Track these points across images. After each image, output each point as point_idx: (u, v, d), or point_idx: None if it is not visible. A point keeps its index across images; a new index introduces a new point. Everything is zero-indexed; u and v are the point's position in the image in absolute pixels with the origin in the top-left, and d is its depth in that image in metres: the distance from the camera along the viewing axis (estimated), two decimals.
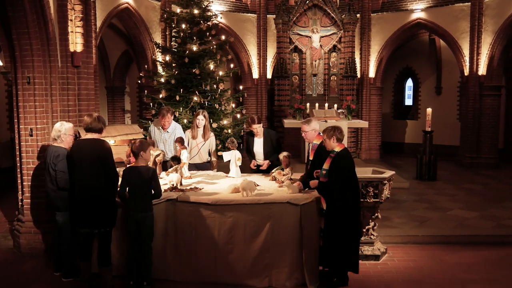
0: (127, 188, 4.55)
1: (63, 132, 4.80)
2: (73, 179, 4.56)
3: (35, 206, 5.69)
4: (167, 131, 6.39)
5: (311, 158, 5.19)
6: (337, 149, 4.64)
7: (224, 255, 4.69)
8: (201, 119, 6.14)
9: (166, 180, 5.12)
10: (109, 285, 4.57)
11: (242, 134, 9.17)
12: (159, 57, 10.36)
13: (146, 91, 10.25)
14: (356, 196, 4.76)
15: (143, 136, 6.38)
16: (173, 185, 5.00)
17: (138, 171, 4.50)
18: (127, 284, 4.58)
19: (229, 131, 8.52)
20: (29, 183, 5.68)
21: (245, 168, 6.29)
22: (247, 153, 6.33)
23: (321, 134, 4.91)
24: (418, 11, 12.23)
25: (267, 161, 6.03)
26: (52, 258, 5.20)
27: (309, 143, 5.44)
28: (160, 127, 6.42)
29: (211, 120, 8.16)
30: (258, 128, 6.08)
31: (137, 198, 4.50)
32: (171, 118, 6.36)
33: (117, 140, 5.97)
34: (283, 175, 5.38)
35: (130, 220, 4.54)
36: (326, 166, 4.63)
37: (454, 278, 5.00)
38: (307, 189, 4.97)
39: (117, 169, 4.68)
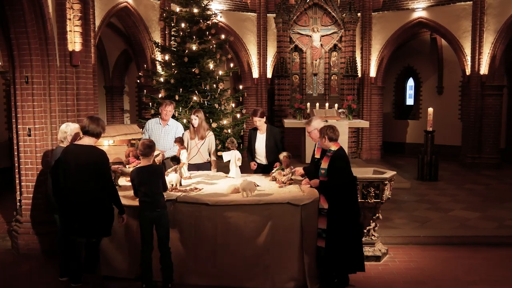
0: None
1: (69, 134, 4.67)
2: (66, 186, 4.26)
3: (34, 207, 5.65)
4: (168, 124, 6.32)
5: (317, 156, 5.09)
6: (333, 148, 4.61)
7: (224, 257, 4.63)
8: (194, 119, 6.09)
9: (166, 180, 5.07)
10: None
11: (242, 134, 9.12)
12: (159, 56, 10.32)
13: (145, 90, 10.21)
14: (355, 194, 4.76)
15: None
16: (172, 185, 4.96)
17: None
18: None
19: (229, 131, 8.48)
20: (27, 183, 5.64)
21: (245, 168, 6.24)
22: (248, 151, 6.24)
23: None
24: (419, 10, 12.18)
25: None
26: (51, 259, 5.15)
27: (315, 143, 5.34)
28: (160, 122, 6.36)
29: (210, 120, 8.11)
30: (258, 122, 5.94)
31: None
32: (171, 111, 6.32)
33: (116, 140, 5.94)
34: (283, 175, 5.34)
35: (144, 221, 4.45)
36: (324, 165, 4.60)
37: (456, 279, 4.97)
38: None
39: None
